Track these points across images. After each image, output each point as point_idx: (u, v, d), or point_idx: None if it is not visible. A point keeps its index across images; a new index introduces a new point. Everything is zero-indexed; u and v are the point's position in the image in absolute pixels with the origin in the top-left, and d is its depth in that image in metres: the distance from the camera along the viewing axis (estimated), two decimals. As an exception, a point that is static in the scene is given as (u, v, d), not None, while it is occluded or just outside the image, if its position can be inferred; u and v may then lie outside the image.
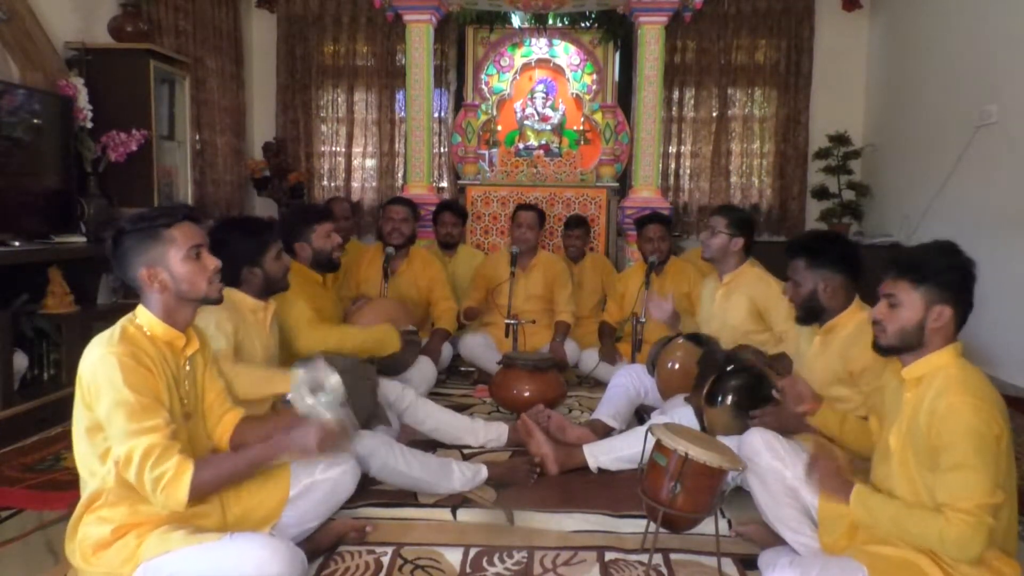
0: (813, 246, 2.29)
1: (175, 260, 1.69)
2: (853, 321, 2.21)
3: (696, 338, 2.90)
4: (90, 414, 1.61)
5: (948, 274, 1.65)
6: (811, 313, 2.27)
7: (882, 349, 1.74)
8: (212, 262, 1.75)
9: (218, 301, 1.80)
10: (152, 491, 1.59)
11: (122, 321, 1.69)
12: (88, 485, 1.68)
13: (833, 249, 2.26)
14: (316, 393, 1.93)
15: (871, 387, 2.10)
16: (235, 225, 2.46)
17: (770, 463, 1.94)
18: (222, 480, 1.72)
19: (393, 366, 3.13)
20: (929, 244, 1.71)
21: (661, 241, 3.84)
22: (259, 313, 2.41)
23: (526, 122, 5.95)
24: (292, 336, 2.70)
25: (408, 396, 2.91)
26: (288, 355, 2.65)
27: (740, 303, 2.96)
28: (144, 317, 1.71)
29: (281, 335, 2.60)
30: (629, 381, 3.14)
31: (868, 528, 1.72)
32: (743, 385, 2.36)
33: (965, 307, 1.67)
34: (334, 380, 1.96)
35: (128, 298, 3.96)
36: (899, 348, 1.70)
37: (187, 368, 1.78)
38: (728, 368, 2.41)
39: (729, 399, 2.37)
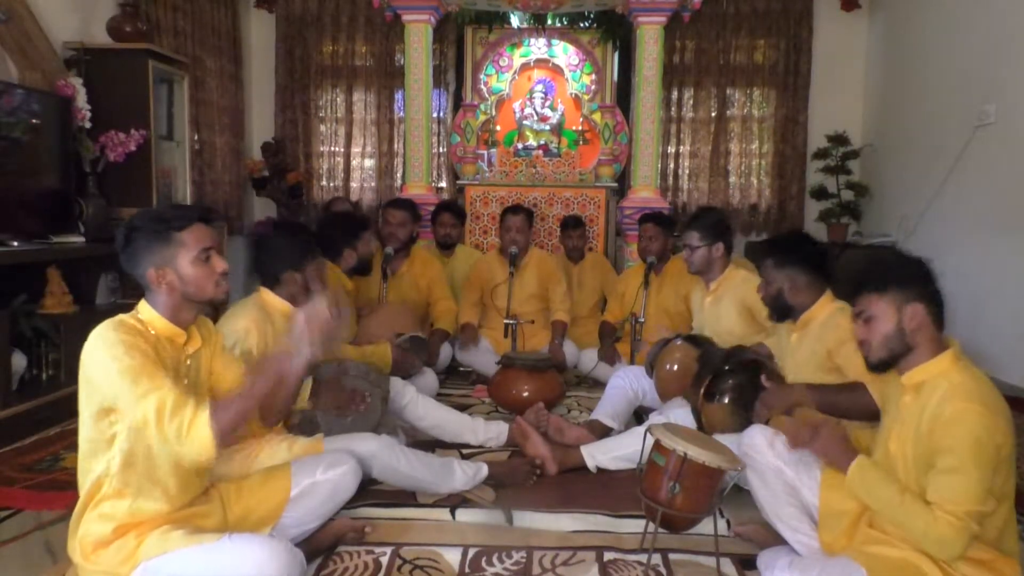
0: (779, 246, 2.42)
1: (184, 262, 1.69)
2: (825, 311, 2.31)
3: (694, 339, 2.90)
4: (96, 397, 1.61)
5: (903, 271, 1.69)
6: (780, 311, 2.39)
7: (875, 366, 1.76)
8: (220, 265, 1.75)
9: (223, 303, 1.81)
10: (178, 442, 1.57)
11: (121, 315, 1.70)
12: (91, 474, 1.66)
13: (798, 249, 2.37)
14: None
15: (849, 359, 2.14)
16: (288, 229, 2.59)
17: (771, 461, 1.95)
18: (240, 414, 1.67)
19: (399, 373, 3.14)
20: (875, 254, 1.80)
21: (651, 241, 3.83)
22: (287, 321, 2.41)
23: (525, 122, 5.95)
24: None
25: (408, 392, 2.92)
26: None
27: (730, 308, 2.96)
28: (147, 313, 1.71)
29: None
30: (627, 382, 3.14)
31: (862, 498, 1.73)
32: (741, 383, 2.37)
33: (935, 300, 1.69)
34: None
35: (127, 298, 3.97)
36: (890, 359, 1.72)
37: (188, 363, 1.78)
38: (726, 367, 2.41)
39: (727, 397, 2.38)
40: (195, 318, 1.79)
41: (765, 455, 1.95)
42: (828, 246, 2.50)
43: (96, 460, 1.66)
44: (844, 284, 1.82)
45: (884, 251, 1.79)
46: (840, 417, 2.17)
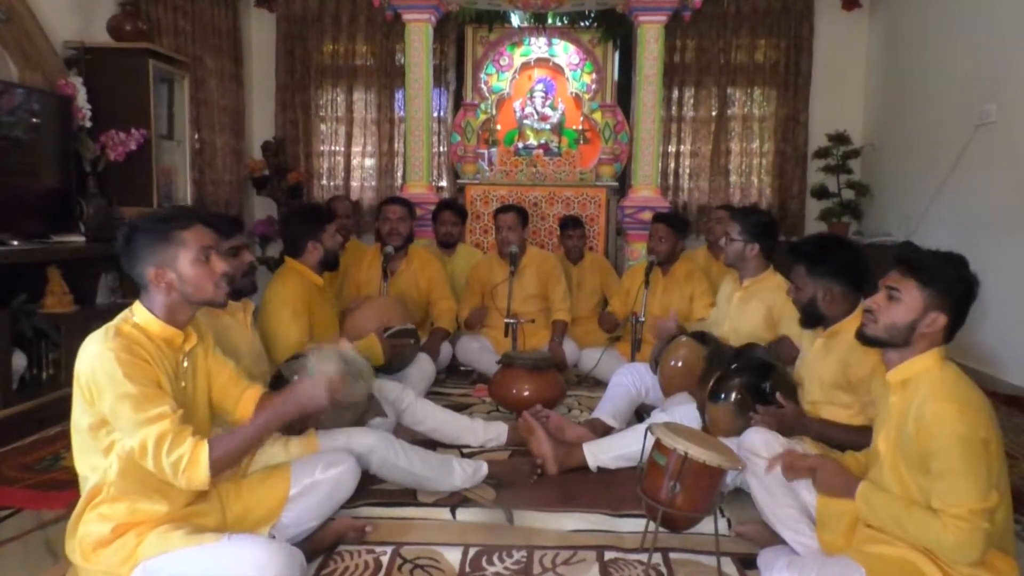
0: (815, 253, 2.24)
1: (184, 262, 1.69)
2: (856, 328, 2.13)
3: (700, 336, 2.89)
4: (92, 410, 1.61)
5: (955, 284, 1.64)
6: (812, 318, 2.26)
7: (866, 338, 1.74)
8: (220, 266, 1.75)
9: (223, 304, 1.81)
10: (173, 475, 1.60)
11: (116, 320, 1.69)
12: (89, 480, 1.67)
13: (835, 258, 2.21)
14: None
15: (869, 397, 2.09)
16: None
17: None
18: (239, 451, 1.72)
19: (392, 364, 3.13)
20: (942, 252, 1.70)
21: (661, 241, 3.81)
22: (238, 314, 2.43)
23: (525, 121, 5.95)
24: (270, 347, 2.73)
25: (408, 396, 2.90)
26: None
27: (757, 310, 2.88)
28: (142, 315, 1.70)
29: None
30: (629, 380, 3.14)
31: (870, 524, 1.73)
32: (747, 383, 2.35)
33: (958, 321, 1.67)
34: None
35: (127, 298, 3.96)
36: (883, 342, 1.71)
37: (184, 364, 1.78)
38: (733, 366, 2.40)
39: (732, 396, 2.35)
40: (191, 319, 1.78)
41: (763, 458, 1.95)
42: (863, 249, 2.35)
43: (92, 467, 1.66)
44: (898, 257, 1.72)
45: (949, 254, 1.72)
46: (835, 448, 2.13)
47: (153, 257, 1.68)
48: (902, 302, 1.66)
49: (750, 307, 2.91)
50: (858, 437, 2.06)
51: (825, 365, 2.24)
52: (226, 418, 1.91)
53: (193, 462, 1.60)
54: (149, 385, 1.61)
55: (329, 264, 3.04)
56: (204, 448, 1.61)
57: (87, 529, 1.67)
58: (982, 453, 1.52)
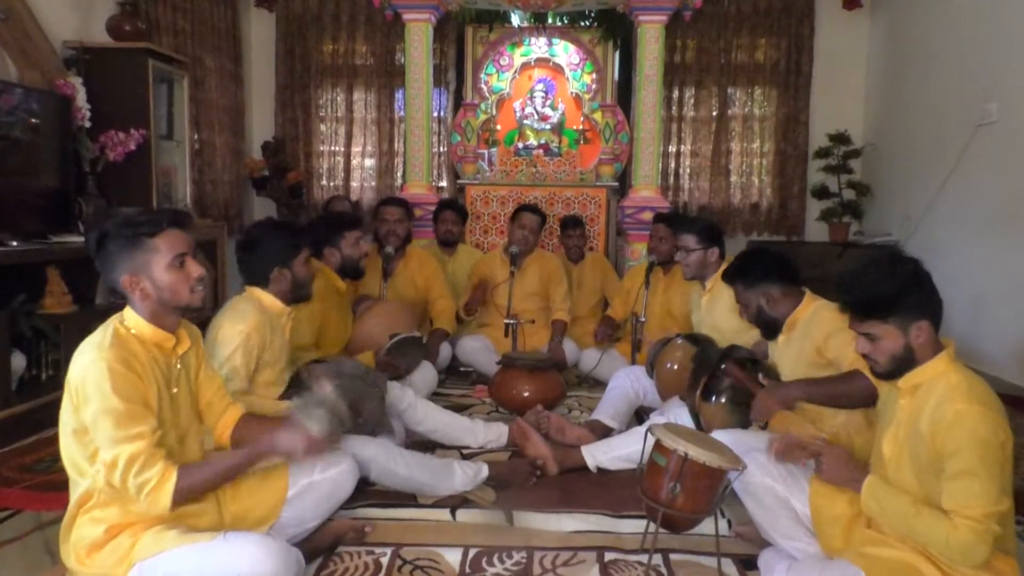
0: (741, 268, 2.43)
1: (158, 269, 1.67)
2: (808, 309, 2.32)
3: (693, 338, 2.89)
4: (76, 416, 1.61)
5: (904, 296, 1.64)
6: (768, 327, 2.39)
7: (883, 376, 1.73)
8: (196, 270, 1.72)
9: (200, 309, 1.79)
10: (136, 496, 1.60)
11: (112, 322, 1.68)
12: (79, 485, 1.67)
13: (759, 265, 2.39)
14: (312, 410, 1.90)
15: (840, 351, 2.14)
16: (271, 226, 2.55)
17: (761, 480, 1.94)
18: (206, 485, 1.72)
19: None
20: (868, 271, 1.69)
21: (662, 242, 3.80)
22: (282, 318, 2.43)
23: (525, 121, 5.94)
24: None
25: (407, 396, 2.90)
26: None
27: (725, 304, 2.94)
28: (132, 319, 1.70)
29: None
30: (628, 382, 3.14)
31: (872, 523, 1.72)
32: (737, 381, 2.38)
33: (935, 310, 1.67)
34: (327, 390, 1.94)
35: (126, 299, 3.95)
36: (897, 372, 1.70)
37: (178, 367, 1.77)
38: (722, 366, 2.42)
39: (724, 397, 2.39)
40: (179, 322, 1.78)
41: (755, 475, 1.94)
42: (785, 251, 2.54)
43: (80, 472, 1.65)
44: (843, 307, 1.75)
45: (875, 269, 1.71)
46: (841, 407, 2.17)
47: (126, 264, 1.66)
48: (882, 339, 1.67)
49: (720, 305, 3.00)
50: (848, 381, 2.10)
51: (791, 354, 2.33)
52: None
53: (159, 487, 1.59)
54: (136, 402, 1.60)
55: (348, 272, 3.13)
56: (172, 476, 1.60)
57: (80, 533, 1.66)
58: (999, 456, 1.53)
